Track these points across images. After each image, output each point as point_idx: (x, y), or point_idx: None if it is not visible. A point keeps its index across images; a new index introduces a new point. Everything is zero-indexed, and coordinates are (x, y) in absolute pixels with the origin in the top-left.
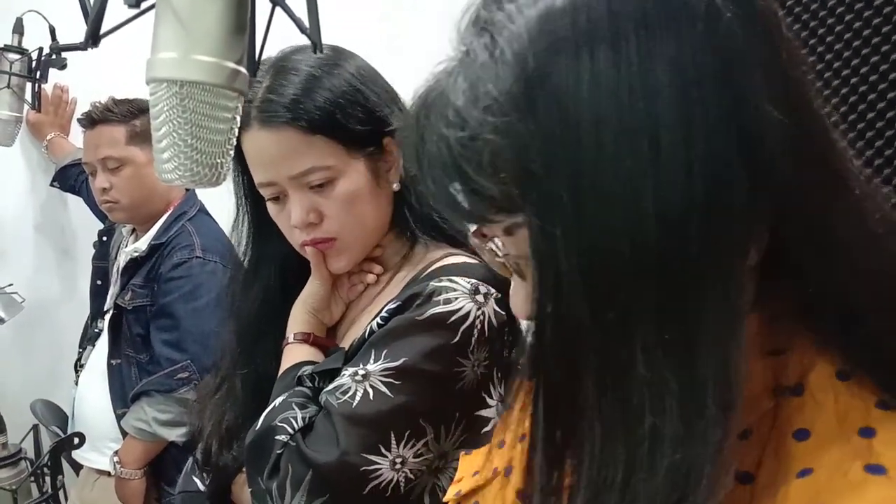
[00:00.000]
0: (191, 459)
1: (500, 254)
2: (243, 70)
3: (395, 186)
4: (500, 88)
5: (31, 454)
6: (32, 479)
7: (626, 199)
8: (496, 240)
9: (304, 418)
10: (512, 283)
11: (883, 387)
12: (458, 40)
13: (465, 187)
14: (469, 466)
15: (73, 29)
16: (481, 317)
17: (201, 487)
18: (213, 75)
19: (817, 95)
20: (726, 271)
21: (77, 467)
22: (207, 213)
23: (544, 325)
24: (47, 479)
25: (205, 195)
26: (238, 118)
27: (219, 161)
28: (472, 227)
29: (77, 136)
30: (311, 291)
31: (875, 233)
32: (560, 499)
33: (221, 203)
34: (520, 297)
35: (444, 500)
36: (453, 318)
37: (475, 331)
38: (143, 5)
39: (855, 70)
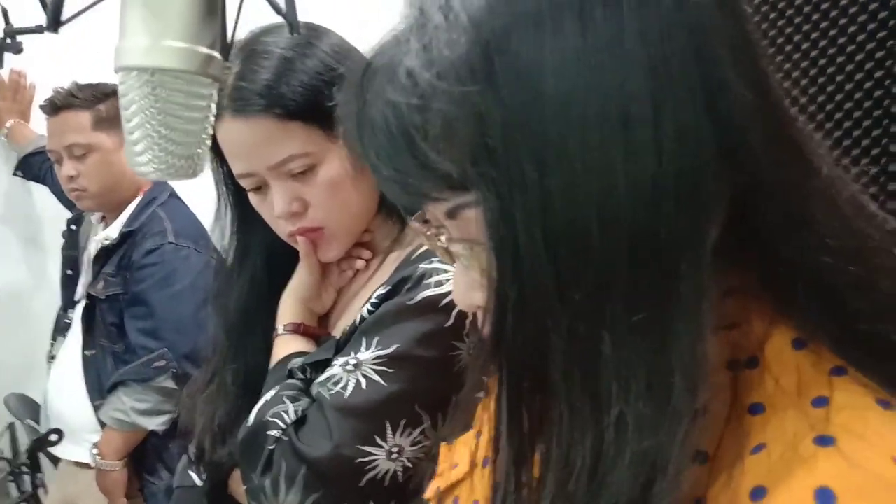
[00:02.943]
0: (185, 456)
1: (441, 240)
2: (217, 55)
3: None
4: (455, 54)
5: (7, 453)
6: (11, 478)
7: (595, 173)
8: (439, 225)
9: (296, 412)
10: (455, 272)
11: (841, 355)
12: (411, 3)
13: (413, 160)
14: (449, 458)
15: (28, 11)
16: None
17: (198, 482)
18: (186, 62)
19: (776, 77)
20: (698, 248)
21: (55, 461)
22: (179, 198)
23: (504, 312)
24: (26, 478)
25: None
26: (213, 106)
27: (195, 152)
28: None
29: (37, 122)
30: (301, 281)
31: (844, 212)
32: (528, 491)
33: (195, 188)
34: (462, 285)
35: (425, 497)
36: (446, 301)
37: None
38: None
39: (840, 67)
